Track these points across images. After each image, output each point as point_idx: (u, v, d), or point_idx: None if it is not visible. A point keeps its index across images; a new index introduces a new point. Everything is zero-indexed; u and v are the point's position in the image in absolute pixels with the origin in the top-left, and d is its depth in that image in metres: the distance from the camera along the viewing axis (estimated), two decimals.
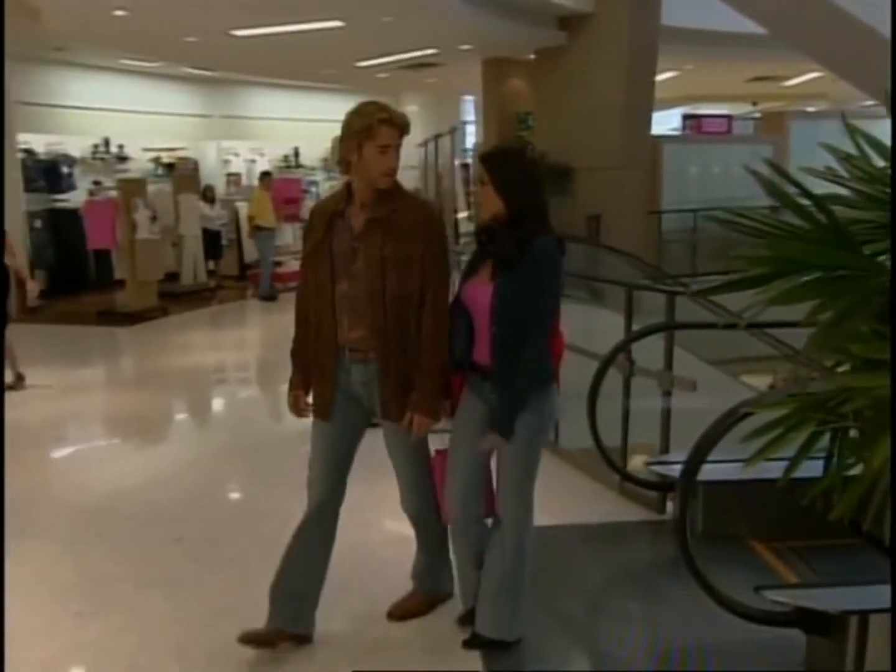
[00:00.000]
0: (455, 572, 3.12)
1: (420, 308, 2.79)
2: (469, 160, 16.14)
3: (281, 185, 12.76)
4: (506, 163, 2.73)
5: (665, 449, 4.19)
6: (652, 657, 2.98)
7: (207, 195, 12.23)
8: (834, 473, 2.09)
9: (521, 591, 2.89)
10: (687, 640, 3.05)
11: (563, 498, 4.43)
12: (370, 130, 2.67)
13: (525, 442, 2.76)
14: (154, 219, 10.09)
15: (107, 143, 12.83)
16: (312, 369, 2.95)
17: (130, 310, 9.85)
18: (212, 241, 12.10)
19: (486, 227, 2.77)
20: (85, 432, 6.02)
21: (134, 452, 5.56)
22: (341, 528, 2.99)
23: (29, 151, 11.57)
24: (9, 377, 6.39)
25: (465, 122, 19.41)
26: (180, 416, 6.83)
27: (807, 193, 1.83)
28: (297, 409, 3.00)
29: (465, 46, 10.97)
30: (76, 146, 12.36)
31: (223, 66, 12.41)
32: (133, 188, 10.20)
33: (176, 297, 10.91)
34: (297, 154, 16.23)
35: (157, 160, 13.63)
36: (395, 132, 2.71)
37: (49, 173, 11.87)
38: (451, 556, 3.12)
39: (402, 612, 3.18)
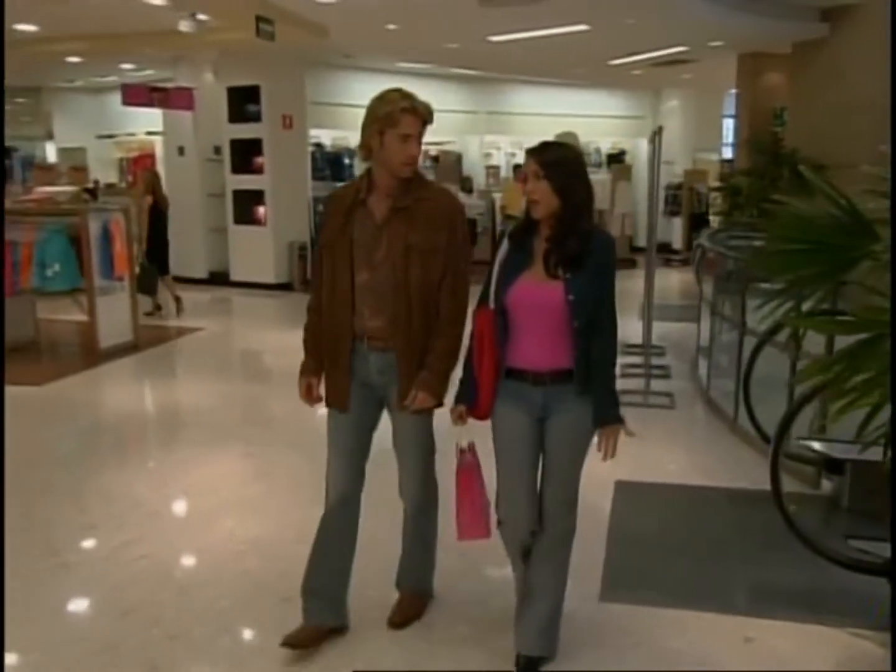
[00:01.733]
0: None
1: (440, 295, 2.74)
2: (731, 156, 15.90)
3: None
4: (562, 157, 2.55)
5: (822, 428, 4.45)
6: (746, 593, 3.44)
7: (465, 186, 13.41)
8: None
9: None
10: (784, 584, 3.44)
11: (726, 466, 4.87)
12: (392, 118, 2.61)
13: (585, 443, 2.70)
14: None
15: None
16: (325, 358, 2.88)
17: None
18: (469, 227, 13.18)
19: (522, 225, 2.66)
20: None
21: None
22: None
23: (318, 145, 13.20)
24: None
25: (729, 117, 19.06)
26: None
27: (836, 189, 2.27)
28: (309, 396, 2.93)
29: (716, 43, 11.02)
30: (357, 140, 13.94)
31: (483, 67, 13.26)
32: None
33: None
34: None
35: (424, 153, 15.09)
36: (417, 121, 2.64)
37: (333, 163, 13.40)
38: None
39: (403, 619, 3.12)
